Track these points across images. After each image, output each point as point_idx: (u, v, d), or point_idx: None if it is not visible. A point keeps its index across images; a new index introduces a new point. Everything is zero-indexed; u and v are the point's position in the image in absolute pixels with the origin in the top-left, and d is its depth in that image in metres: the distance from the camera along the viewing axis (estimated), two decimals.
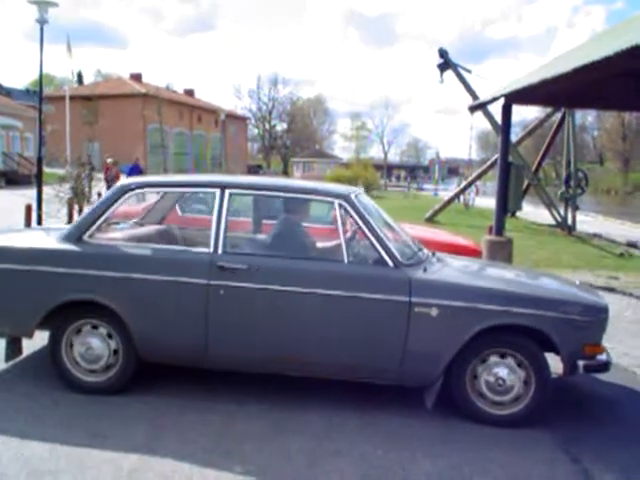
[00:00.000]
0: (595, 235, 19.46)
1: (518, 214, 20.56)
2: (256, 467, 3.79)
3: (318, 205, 5.00)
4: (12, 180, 32.83)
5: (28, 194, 18.42)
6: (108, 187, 15.82)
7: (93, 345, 4.71)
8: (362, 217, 4.65)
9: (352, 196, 4.76)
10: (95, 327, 4.73)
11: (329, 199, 4.80)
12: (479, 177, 25.78)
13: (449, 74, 21.04)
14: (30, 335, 4.83)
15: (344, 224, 4.69)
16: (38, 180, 14.04)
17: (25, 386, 4.80)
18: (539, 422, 4.61)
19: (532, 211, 23.94)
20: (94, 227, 4.81)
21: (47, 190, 14.46)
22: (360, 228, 4.67)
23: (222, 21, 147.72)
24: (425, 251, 5.19)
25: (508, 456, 4.13)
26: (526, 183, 19.74)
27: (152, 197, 6.37)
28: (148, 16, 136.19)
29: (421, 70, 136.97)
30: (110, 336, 4.72)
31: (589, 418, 4.87)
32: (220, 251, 4.59)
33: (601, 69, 6.93)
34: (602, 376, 5.12)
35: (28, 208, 11.25)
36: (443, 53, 20.82)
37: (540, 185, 22.96)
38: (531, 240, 16.59)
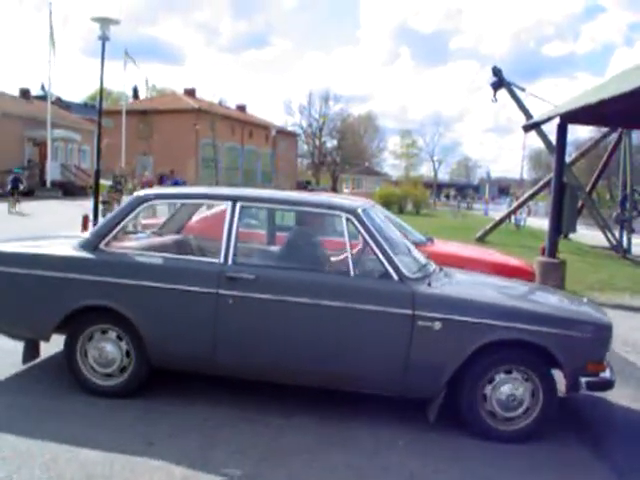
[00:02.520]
0: None
1: (571, 236, 20.14)
2: None
3: (330, 218, 5.05)
4: (68, 191, 33.96)
5: (84, 204, 18.92)
6: None
7: (106, 349, 4.83)
8: (368, 231, 4.70)
9: (359, 210, 4.82)
10: (108, 332, 4.84)
11: (337, 213, 4.86)
12: (531, 197, 25.41)
13: (502, 92, 20.87)
14: (47, 338, 5.01)
15: (352, 238, 4.75)
16: (95, 192, 14.43)
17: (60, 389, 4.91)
18: (593, 450, 4.53)
19: (585, 233, 23.45)
20: (110, 236, 4.96)
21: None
22: (366, 242, 4.73)
23: (275, 38, 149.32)
24: (432, 265, 5.24)
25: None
26: (580, 204, 19.39)
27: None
28: (204, 33, 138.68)
29: (473, 88, 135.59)
30: (121, 340, 4.82)
31: None
32: (230, 261, 4.69)
33: None
34: None
35: (85, 218, 11.58)
36: (497, 71, 20.66)
37: (594, 207, 22.51)
38: (584, 262, 16.24)
